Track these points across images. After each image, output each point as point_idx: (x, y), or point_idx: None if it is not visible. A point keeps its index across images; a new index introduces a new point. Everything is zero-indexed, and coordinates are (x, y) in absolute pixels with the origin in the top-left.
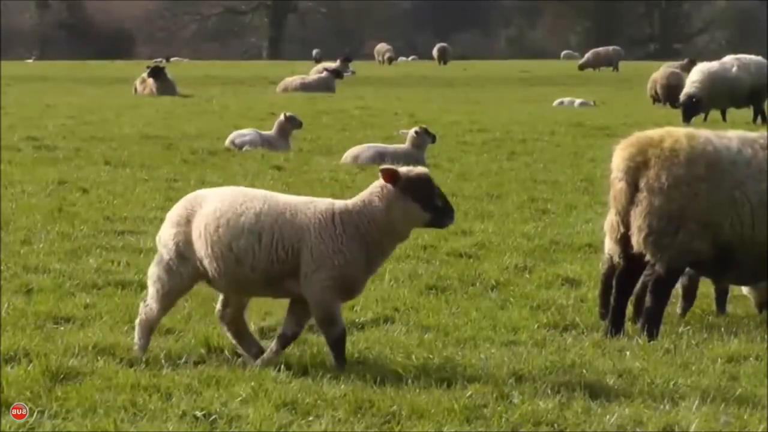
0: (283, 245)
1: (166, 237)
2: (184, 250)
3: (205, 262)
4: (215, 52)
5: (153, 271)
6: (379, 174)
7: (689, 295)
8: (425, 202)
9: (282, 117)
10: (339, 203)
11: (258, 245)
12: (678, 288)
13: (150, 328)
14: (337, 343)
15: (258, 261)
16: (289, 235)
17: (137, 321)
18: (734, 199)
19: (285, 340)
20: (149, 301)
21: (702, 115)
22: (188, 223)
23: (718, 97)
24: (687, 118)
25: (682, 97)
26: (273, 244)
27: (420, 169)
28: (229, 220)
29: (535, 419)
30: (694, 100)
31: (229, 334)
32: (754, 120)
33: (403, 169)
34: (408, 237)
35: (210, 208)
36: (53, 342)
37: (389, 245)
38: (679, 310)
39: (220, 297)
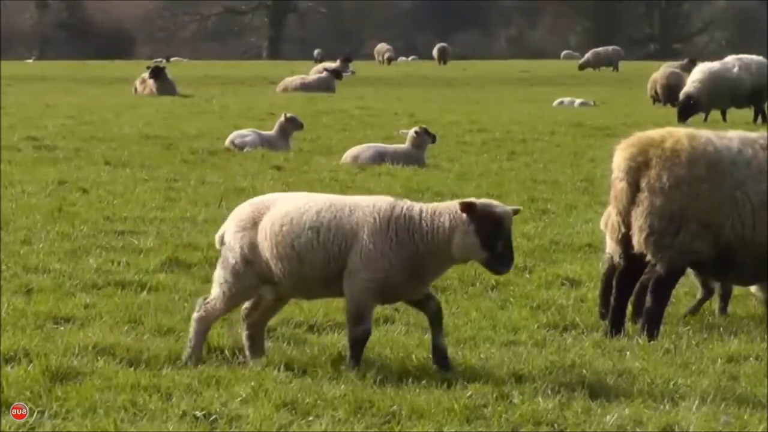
0: (338, 241)
1: (231, 240)
2: (249, 253)
3: (271, 263)
4: (215, 52)
5: (219, 274)
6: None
7: (725, 295)
8: (487, 240)
9: (282, 118)
10: (402, 205)
11: (317, 241)
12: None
13: (207, 327)
14: (357, 343)
15: (316, 258)
16: (344, 231)
17: (195, 317)
18: (735, 200)
19: (435, 316)
20: (213, 300)
21: (702, 116)
22: (254, 226)
23: (718, 97)
24: (682, 118)
25: (680, 96)
26: (330, 239)
27: (500, 209)
28: (293, 218)
29: (535, 419)
30: (691, 101)
31: (244, 333)
32: (755, 120)
33: (482, 202)
34: (461, 263)
35: (278, 209)
36: (53, 342)
37: (441, 265)
38: (717, 312)
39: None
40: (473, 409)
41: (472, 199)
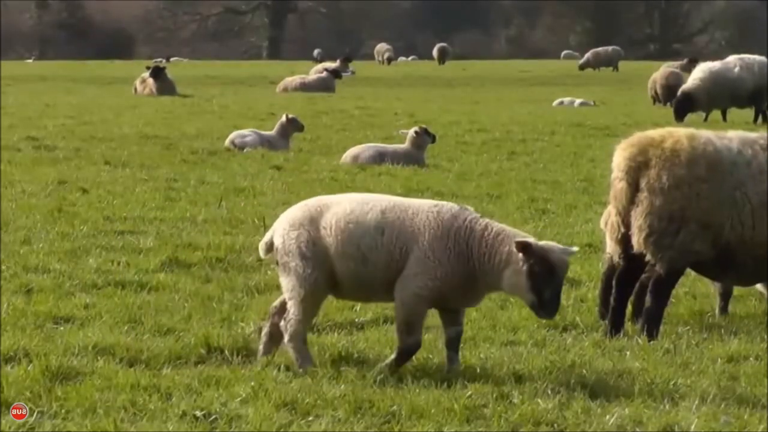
0: (399, 244)
1: (287, 241)
2: (308, 251)
3: (335, 262)
4: (215, 52)
5: (284, 283)
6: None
7: (725, 294)
8: (536, 285)
9: (284, 118)
10: (467, 215)
11: (380, 242)
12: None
13: (303, 338)
14: (406, 354)
15: (379, 259)
16: (405, 234)
17: (286, 340)
18: (735, 200)
19: (453, 342)
20: (291, 316)
21: (702, 115)
22: (312, 224)
23: (718, 97)
24: (679, 117)
25: (678, 94)
26: (393, 241)
27: (555, 256)
28: (358, 217)
29: (535, 419)
30: (688, 99)
31: (265, 329)
32: (755, 120)
33: (540, 245)
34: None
35: (341, 207)
36: (53, 342)
37: (491, 288)
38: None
39: (281, 298)
40: (473, 409)
41: (530, 240)
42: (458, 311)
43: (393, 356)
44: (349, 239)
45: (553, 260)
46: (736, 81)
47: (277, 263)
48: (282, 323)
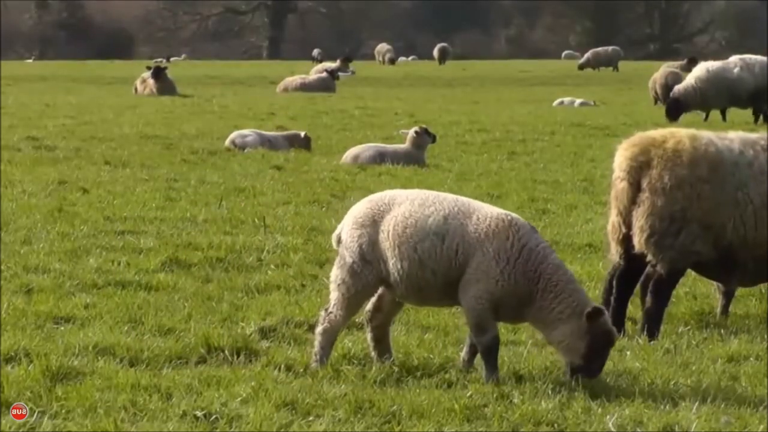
0: (461, 250)
1: (349, 238)
2: (367, 252)
3: (390, 263)
4: (215, 52)
5: (336, 275)
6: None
7: (728, 294)
8: (591, 354)
9: (301, 134)
10: (540, 241)
11: (441, 247)
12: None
13: (333, 337)
14: (489, 351)
15: (439, 264)
16: (468, 240)
17: (318, 330)
18: (737, 201)
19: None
20: (332, 308)
21: (702, 115)
22: (374, 224)
23: (716, 97)
24: (671, 116)
25: (672, 94)
26: (453, 247)
27: (610, 333)
28: (417, 220)
29: (536, 419)
30: (679, 100)
31: (369, 335)
32: (755, 120)
33: (603, 320)
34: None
35: (400, 209)
36: (53, 342)
37: (530, 319)
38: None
39: (373, 299)
40: (473, 409)
41: (603, 309)
42: None
43: (483, 362)
44: (406, 242)
45: (613, 335)
46: (736, 81)
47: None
48: (322, 313)
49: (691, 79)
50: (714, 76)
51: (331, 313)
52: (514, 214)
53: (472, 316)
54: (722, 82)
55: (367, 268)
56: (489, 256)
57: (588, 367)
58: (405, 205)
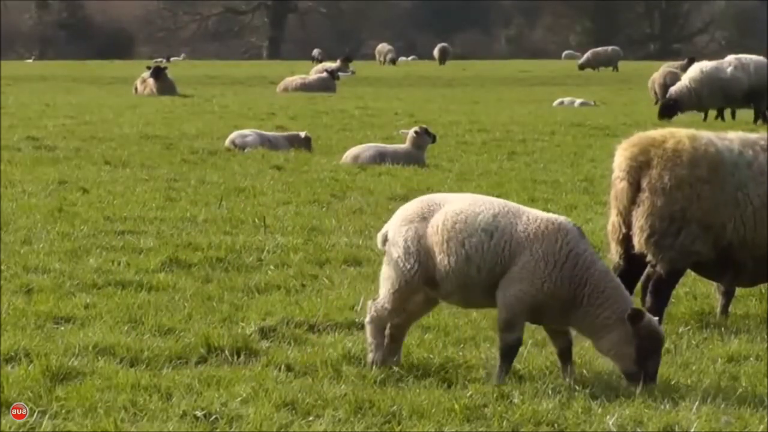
0: (508, 248)
1: (396, 234)
2: (413, 246)
3: (437, 259)
4: (215, 52)
5: (384, 270)
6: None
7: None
8: (640, 360)
9: (301, 135)
10: (587, 247)
11: (488, 243)
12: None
13: (382, 326)
14: (509, 350)
15: (485, 261)
16: (515, 239)
17: (367, 320)
18: (737, 201)
19: (564, 354)
20: (381, 300)
21: (701, 115)
22: (423, 220)
23: (710, 97)
24: (663, 115)
25: (668, 95)
26: (501, 245)
27: (660, 329)
28: (467, 217)
29: (536, 419)
30: (672, 100)
31: (387, 331)
32: (755, 120)
33: (651, 317)
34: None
35: (451, 206)
36: (53, 342)
37: (576, 324)
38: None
39: None
40: (473, 409)
41: (640, 310)
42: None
43: (498, 361)
44: (455, 237)
45: (660, 335)
46: (730, 81)
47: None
48: (370, 302)
49: (685, 80)
50: (707, 76)
51: (378, 303)
52: (562, 218)
53: (506, 311)
54: (716, 83)
55: (413, 263)
56: (537, 257)
57: (647, 373)
58: (456, 203)
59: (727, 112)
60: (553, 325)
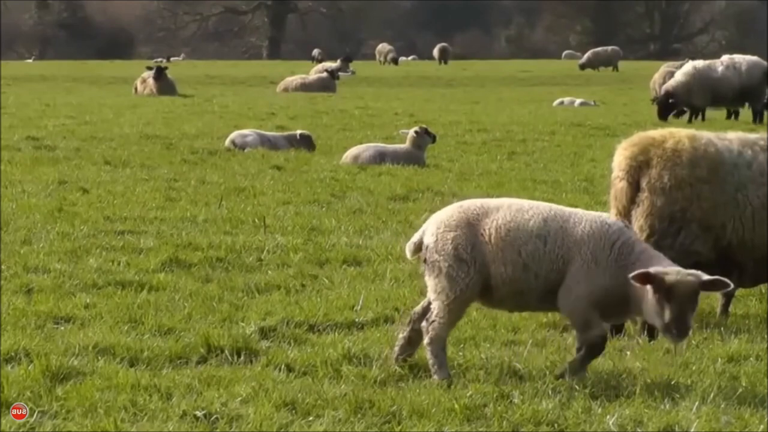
0: (562, 252)
1: (441, 242)
2: (464, 253)
3: (492, 267)
4: (215, 52)
5: (432, 284)
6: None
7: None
8: (661, 311)
9: (297, 134)
10: (630, 235)
11: (543, 249)
12: None
13: (442, 344)
14: (592, 348)
15: (541, 267)
16: (568, 242)
17: (426, 342)
18: (736, 201)
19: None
20: (434, 317)
21: (700, 115)
22: (470, 227)
23: (700, 96)
24: (662, 116)
25: (661, 92)
26: (555, 250)
27: (675, 278)
28: (519, 224)
29: (536, 419)
30: (670, 98)
31: (402, 334)
32: (754, 120)
33: (660, 270)
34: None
35: (499, 213)
36: (53, 342)
37: (638, 311)
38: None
39: (423, 303)
40: (473, 409)
41: (650, 270)
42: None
43: (580, 356)
44: (510, 246)
45: (671, 283)
46: (721, 80)
47: (425, 262)
48: (424, 324)
49: (678, 75)
50: (699, 73)
51: (433, 321)
52: (605, 215)
53: (576, 316)
54: (706, 81)
55: (464, 269)
56: (587, 259)
57: (668, 325)
58: (503, 210)
59: (723, 114)
60: (621, 319)
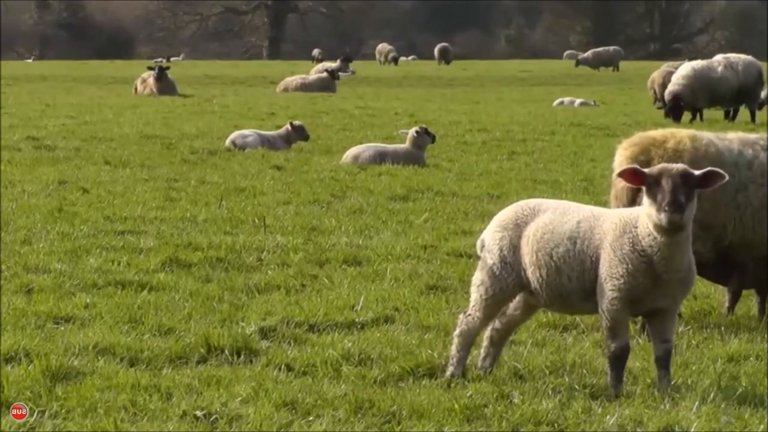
0: (590, 252)
1: (490, 240)
2: (507, 255)
3: (529, 271)
4: (215, 52)
5: (477, 277)
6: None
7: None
8: (650, 197)
9: (289, 126)
10: (636, 212)
11: (573, 251)
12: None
13: (471, 340)
14: (616, 360)
15: (572, 269)
16: (594, 241)
17: (456, 333)
18: (737, 202)
19: (660, 360)
20: (471, 311)
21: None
22: (516, 227)
23: (700, 96)
24: (676, 118)
25: (666, 96)
26: (584, 250)
27: (657, 168)
28: (555, 227)
29: (536, 419)
30: (681, 101)
31: (488, 333)
32: (753, 120)
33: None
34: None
35: (544, 216)
36: (53, 342)
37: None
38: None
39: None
40: (473, 409)
41: (636, 167)
42: (665, 326)
43: (608, 370)
44: (543, 248)
45: (659, 169)
46: (720, 80)
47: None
48: (461, 316)
49: (679, 78)
50: (698, 73)
51: (469, 315)
52: (626, 211)
53: (606, 319)
54: (705, 81)
55: (507, 270)
56: (610, 255)
57: (657, 206)
58: (548, 213)
59: (721, 114)
60: (656, 303)
